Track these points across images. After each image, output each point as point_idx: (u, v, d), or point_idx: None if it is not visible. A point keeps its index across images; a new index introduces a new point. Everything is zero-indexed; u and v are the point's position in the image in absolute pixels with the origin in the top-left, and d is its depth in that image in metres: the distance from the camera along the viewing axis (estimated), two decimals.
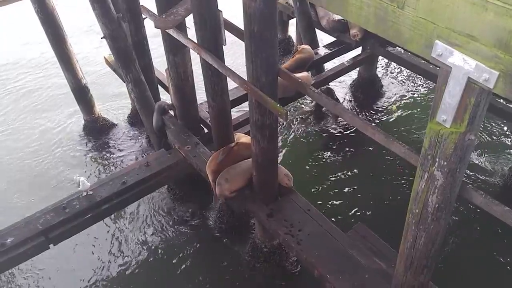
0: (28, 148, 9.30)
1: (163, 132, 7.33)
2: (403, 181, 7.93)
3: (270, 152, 5.40)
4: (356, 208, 7.56)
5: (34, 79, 11.46)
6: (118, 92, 10.56)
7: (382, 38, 3.02)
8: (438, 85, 2.83)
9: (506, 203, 3.31)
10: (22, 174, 8.71)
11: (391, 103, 9.78)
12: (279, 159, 8.08)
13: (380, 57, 9.63)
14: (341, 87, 10.25)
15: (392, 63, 10.54)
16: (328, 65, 8.91)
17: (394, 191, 7.79)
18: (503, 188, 7.68)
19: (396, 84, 10.34)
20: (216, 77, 5.56)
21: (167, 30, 5.69)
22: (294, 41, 11.03)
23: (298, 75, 7.01)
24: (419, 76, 10.11)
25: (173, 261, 7.06)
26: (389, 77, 10.58)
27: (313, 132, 9.15)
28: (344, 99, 9.95)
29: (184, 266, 6.99)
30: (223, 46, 5.30)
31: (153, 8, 5.83)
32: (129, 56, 6.95)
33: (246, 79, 4.80)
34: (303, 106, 9.75)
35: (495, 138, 8.69)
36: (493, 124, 8.95)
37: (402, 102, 9.80)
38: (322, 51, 8.43)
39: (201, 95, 6.93)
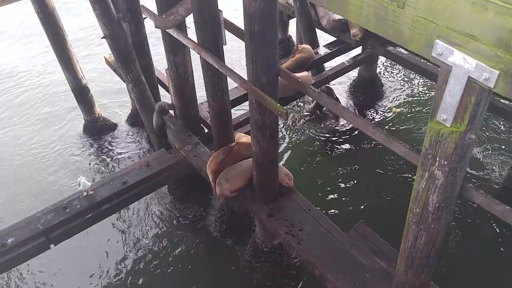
0: (28, 148, 9.30)
1: (163, 132, 7.33)
2: (403, 181, 7.93)
3: (271, 151, 5.39)
4: (357, 208, 7.56)
5: (35, 79, 11.47)
6: (118, 91, 10.57)
7: (383, 38, 3.02)
8: (439, 84, 2.83)
9: (507, 202, 3.31)
10: (22, 174, 8.72)
11: (391, 102, 9.78)
12: (280, 159, 8.09)
13: (380, 57, 9.63)
14: (342, 87, 10.25)
15: (393, 62, 10.53)
16: (328, 65, 8.91)
17: (394, 191, 7.79)
18: (504, 188, 7.67)
19: (396, 84, 10.34)
20: (216, 77, 5.56)
21: (167, 30, 5.69)
22: (294, 40, 11.03)
23: (298, 74, 7.00)
24: (419, 76, 10.11)
25: (174, 261, 7.06)
26: (389, 76, 10.58)
27: (313, 132, 9.15)
28: (344, 98, 9.95)
29: (184, 266, 7.00)
30: (223, 46, 5.30)
31: (153, 8, 5.83)
32: (129, 56, 6.95)
33: (246, 79, 4.80)
34: (303, 106, 9.75)
35: (495, 137, 8.68)
36: (494, 124, 8.94)
37: (402, 102, 9.80)
38: (322, 50, 8.42)
39: (201, 95, 6.92)
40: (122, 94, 10.35)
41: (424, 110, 9.47)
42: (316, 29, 8.86)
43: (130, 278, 6.89)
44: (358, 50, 8.84)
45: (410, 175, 7.89)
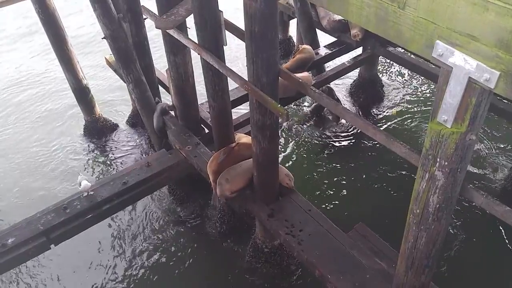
0: (28, 148, 9.31)
1: (164, 132, 7.34)
2: (403, 182, 7.92)
3: (271, 152, 5.40)
4: (357, 208, 7.56)
5: (35, 78, 11.48)
6: (119, 92, 10.58)
7: (383, 38, 3.02)
8: (439, 85, 2.83)
9: (507, 203, 3.31)
10: (22, 174, 8.72)
11: (391, 103, 9.78)
12: (280, 159, 8.09)
13: (380, 57, 9.63)
14: (342, 87, 10.25)
15: (393, 63, 10.53)
16: (329, 65, 8.91)
17: (394, 191, 7.79)
18: (504, 189, 7.66)
19: (396, 84, 10.34)
20: (216, 78, 5.56)
21: (167, 31, 5.69)
22: (295, 41, 11.03)
23: (298, 75, 7.00)
24: (419, 76, 10.10)
25: (174, 262, 7.06)
26: (390, 77, 10.58)
27: (313, 133, 9.15)
28: (345, 99, 9.95)
29: (184, 266, 7.00)
30: (224, 46, 5.31)
31: (154, 9, 5.83)
32: (129, 56, 6.95)
33: (247, 79, 4.80)
34: (304, 107, 9.76)
35: (496, 138, 8.68)
36: (494, 124, 8.94)
37: (403, 102, 9.79)
38: (323, 51, 8.42)
39: (201, 95, 6.93)
40: (122, 95, 10.36)
41: (424, 110, 9.46)
42: (317, 29, 8.86)
43: (129, 279, 6.89)
44: (358, 51, 8.84)
45: (410, 176, 7.88)
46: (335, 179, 8.15)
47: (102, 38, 7.06)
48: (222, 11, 4.98)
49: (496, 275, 6.54)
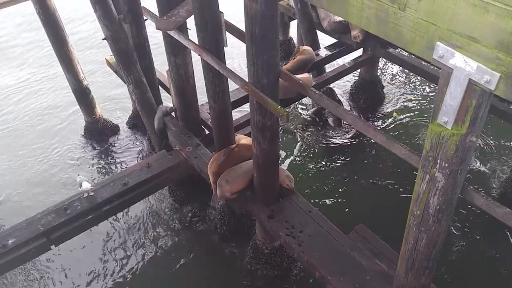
0: (29, 149, 9.31)
1: (164, 133, 7.34)
2: (404, 183, 7.92)
3: (271, 153, 5.40)
4: (357, 210, 7.56)
5: (36, 79, 11.50)
6: (119, 93, 10.59)
7: (383, 40, 3.02)
8: (439, 86, 2.83)
9: (507, 204, 3.31)
10: (23, 175, 8.72)
11: (392, 104, 9.78)
12: (280, 161, 8.09)
13: (381, 59, 9.63)
14: (342, 89, 10.25)
15: (394, 64, 10.53)
16: (329, 67, 8.90)
17: (395, 193, 7.79)
18: (504, 190, 7.65)
19: (397, 86, 10.34)
20: (217, 79, 5.56)
21: (168, 32, 5.70)
22: (295, 42, 11.04)
23: (299, 76, 7.00)
24: (420, 78, 10.10)
25: (174, 263, 7.06)
26: (391, 78, 10.58)
27: (314, 133, 9.15)
28: (345, 100, 9.94)
29: (184, 267, 6.99)
30: (224, 47, 5.31)
31: (155, 10, 5.84)
32: (130, 57, 6.95)
33: (247, 81, 4.80)
34: (305, 108, 9.76)
35: (496, 139, 8.68)
36: (494, 126, 8.93)
37: (403, 103, 9.79)
38: (323, 52, 8.42)
39: (202, 96, 6.93)
40: (123, 96, 10.36)
41: (424, 112, 9.46)
42: (317, 30, 8.86)
43: (129, 280, 6.89)
44: (359, 52, 8.85)
45: (410, 178, 7.88)
46: (335, 180, 8.15)
47: (103, 39, 7.07)
48: (222, 12, 4.98)
49: (496, 276, 6.54)
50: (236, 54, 11.30)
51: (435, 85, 9.17)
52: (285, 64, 8.13)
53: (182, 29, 5.78)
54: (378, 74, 10.12)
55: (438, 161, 3.14)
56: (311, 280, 6.56)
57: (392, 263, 5.00)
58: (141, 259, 7.14)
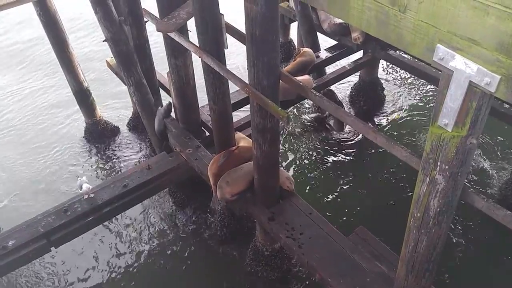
0: (29, 150, 9.31)
1: (165, 135, 7.34)
2: (404, 185, 7.92)
3: (272, 155, 5.39)
4: (357, 212, 7.55)
5: (37, 78, 11.51)
6: (119, 94, 10.59)
7: (384, 42, 3.02)
8: (440, 88, 2.83)
9: (508, 207, 3.31)
10: (23, 177, 8.72)
11: (392, 106, 9.78)
12: (280, 162, 8.08)
13: (381, 61, 9.63)
14: (342, 91, 10.25)
15: (394, 66, 10.54)
16: (330, 69, 8.90)
17: (395, 195, 7.78)
18: (505, 192, 7.64)
19: (397, 88, 10.34)
20: (217, 80, 5.57)
21: (168, 34, 5.70)
22: (296, 44, 11.04)
23: (299, 78, 6.99)
24: (420, 80, 10.10)
25: (173, 264, 7.06)
26: (391, 80, 10.58)
27: (315, 135, 9.15)
28: (345, 102, 9.94)
29: (184, 269, 6.99)
30: (225, 49, 5.31)
31: (155, 11, 5.84)
32: (130, 59, 6.96)
33: (248, 82, 4.80)
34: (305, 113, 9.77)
35: (496, 141, 8.67)
36: (495, 128, 8.93)
37: (404, 105, 9.79)
38: (324, 54, 8.43)
39: (202, 98, 6.93)
40: (123, 97, 10.36)
41: (425, 114, 9.46)
42: (317, 32, 8.87)
43: (128, 281, 6.88)
44: (359, 54, 8.85)
45: (411, 180, 7.88)
46: (335, 182, 8.15)
47: (103, 41, 7.07)
48: (223, 14, 4.99)
49: (497, 277, 6.53)
50: (236, 55, 11.31)
51: (435, 87, 9.17)
52: (286, 66, 8.14)
53: (183, 31, 5.78)
54: (379, 76, 10.12)
55: (439, 163, 3.14)
56: (311, 282, 6.55)
57: (392, 265, 4.99)
58: (141, 261, 7.13)
